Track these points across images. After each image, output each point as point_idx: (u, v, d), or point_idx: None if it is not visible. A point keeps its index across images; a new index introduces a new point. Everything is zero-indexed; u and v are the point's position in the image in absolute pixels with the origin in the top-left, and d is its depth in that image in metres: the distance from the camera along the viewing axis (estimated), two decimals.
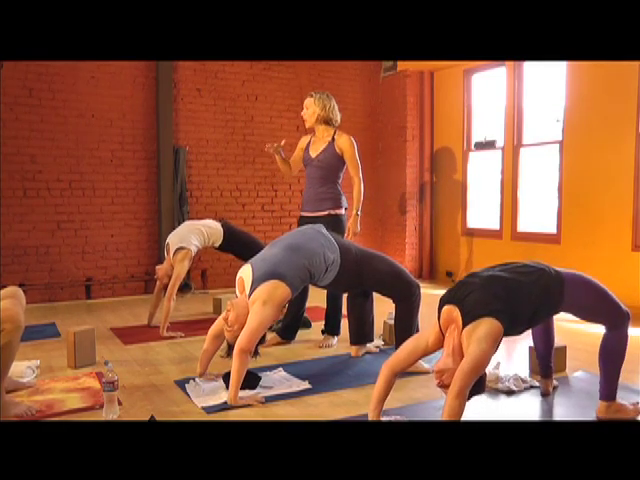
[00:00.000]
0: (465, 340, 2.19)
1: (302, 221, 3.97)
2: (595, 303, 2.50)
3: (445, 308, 2.34)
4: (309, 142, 4.05)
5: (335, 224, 3.83)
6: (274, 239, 3.43)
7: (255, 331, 2.85)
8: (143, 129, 5.92)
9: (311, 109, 3.92)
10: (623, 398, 2.72)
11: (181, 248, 4.34)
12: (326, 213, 3.91)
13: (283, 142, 4.03)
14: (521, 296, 2.33)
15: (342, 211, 3.97)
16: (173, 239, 4.44)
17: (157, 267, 4.58)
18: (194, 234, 4.47)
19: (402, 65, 6.79)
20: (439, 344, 2.35)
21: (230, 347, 3.06)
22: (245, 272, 3.08)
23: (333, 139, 3.92)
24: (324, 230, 3.35)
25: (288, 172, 4.15)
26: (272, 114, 6.57)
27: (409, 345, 2.46)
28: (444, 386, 2.20)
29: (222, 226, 4.69)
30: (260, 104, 6.50)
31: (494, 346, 2.17)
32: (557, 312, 2.51)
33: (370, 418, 2.44)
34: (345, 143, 3.89)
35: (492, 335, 2.16)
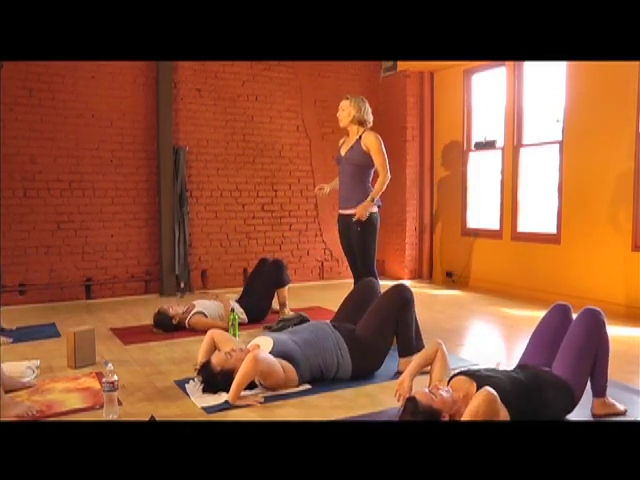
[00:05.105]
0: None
1: (338, 219, 4.22)
2: (588, 362, 2.50)
3: (460, 377, 2.36)
4: (342, 142, 4.24)
5: (364, 221, 3.95)
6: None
7: (271, 363, 2.90)
8: (143, 129, 5.92)
9: (347, 110, 4.07)
10: (623, 398, 2.73)
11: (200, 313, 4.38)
12: (354, 211, 3.98)
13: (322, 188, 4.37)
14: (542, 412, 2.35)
15: (373, 209, 4.02)
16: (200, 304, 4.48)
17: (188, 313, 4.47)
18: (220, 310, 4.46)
19: (402, 65, 6.79)
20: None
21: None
22: (264, 342, 3.10)
23: (360, 137, 4.04)
24: (332, 328, 3.31)
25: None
26: (272, 114, 6.57)
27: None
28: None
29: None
30: (260, 104, 6.50)
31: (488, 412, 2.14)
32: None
33: (403, 376, 2.59)
34: (370, 139, 4.00)
35: (490, 405, 2.15)
